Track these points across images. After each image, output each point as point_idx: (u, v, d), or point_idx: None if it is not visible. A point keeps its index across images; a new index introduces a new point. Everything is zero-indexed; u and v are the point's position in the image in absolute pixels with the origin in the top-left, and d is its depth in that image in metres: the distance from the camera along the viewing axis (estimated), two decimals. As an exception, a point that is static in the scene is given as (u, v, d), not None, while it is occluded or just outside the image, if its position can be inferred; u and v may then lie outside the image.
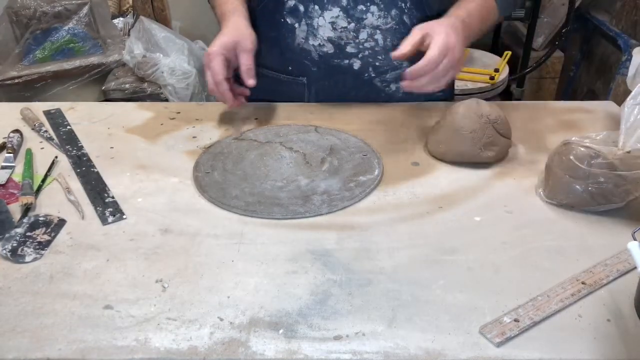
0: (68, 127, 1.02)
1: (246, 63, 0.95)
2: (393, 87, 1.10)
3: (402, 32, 1.01)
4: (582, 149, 0.76)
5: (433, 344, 0.58)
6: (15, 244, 0.72)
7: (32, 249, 0.72)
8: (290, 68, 1.10)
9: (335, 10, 1.02)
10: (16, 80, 2.22)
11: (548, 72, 2.52)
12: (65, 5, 2.29)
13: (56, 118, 1.05)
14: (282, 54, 1.07)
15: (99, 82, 2.32)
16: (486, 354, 0.57)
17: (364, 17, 1.02)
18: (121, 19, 2.48)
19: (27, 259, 0.70)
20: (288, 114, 1.06)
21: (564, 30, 2.25)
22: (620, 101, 0.85)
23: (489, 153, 0.89)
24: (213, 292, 0.66)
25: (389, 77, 1.09)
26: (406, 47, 0.88)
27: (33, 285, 0.66)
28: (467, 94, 1.94)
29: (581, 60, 2.61)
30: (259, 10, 1.06)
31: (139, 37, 2.23)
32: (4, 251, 0.71)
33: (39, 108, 1.08)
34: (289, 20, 1.04)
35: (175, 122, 1.05)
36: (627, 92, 0.84)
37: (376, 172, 0.87)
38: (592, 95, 2.48)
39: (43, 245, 0.73)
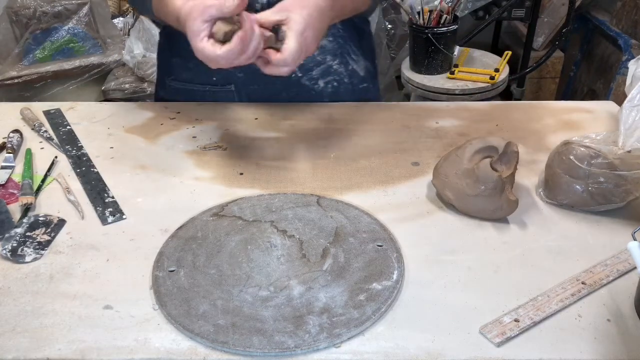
0: (68, 127, 1.02)
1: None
2: (321, 83, 1.09)
3: None
4: (582, 149, 0.76)
5: (433, 344, 0.58)
6: (15, 244, 0.72)
7: (32, 249, 0.72)
8: (214, 78, 1.08)
9: None
10: (16, 80, 2.23)
11: (548, 72, 2.52)
12: (65, 5, 2.29)
13: (56, 118, 1.05)
14: (203, 65, 0.90)
15: (99, 82, 2.33)
16: (486, 354, 0.57)
17: None
18: (121, 19, 2.48)
19: (27, 259, 0.70)
20: (287, 113, 1.06)
21: (564, 30, 2.25)
22: (620, 101, 0.85)
23: None
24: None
25: (315, 74, 1.08)
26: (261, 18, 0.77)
27: (33, 285, 0.66)
28: (468, 94, 1.94)
29: (581, 60, 2.61)
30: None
31: (138, 37, 2.23)
32: (4, 251, 0.71)
33: (38, 108, 1.08)
34: None
35: (175, 122, 1.05)
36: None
37: (395, 276, 0.66)
38: (593, 95, 2.48)
39: (43, 245, 0.73)
